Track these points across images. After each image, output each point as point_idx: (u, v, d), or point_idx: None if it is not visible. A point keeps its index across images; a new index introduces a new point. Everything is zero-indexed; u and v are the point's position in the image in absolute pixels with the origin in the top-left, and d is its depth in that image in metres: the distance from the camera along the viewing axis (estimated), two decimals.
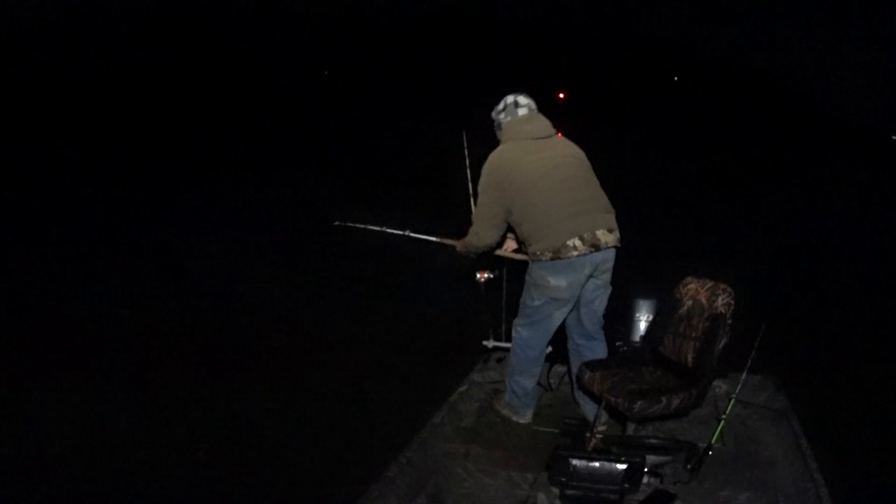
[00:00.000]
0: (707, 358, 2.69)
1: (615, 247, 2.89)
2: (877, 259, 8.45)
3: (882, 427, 3.87)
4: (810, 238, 9.01)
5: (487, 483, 2.62)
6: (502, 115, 3.01)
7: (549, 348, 3.19)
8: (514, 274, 3.40)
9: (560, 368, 3.50)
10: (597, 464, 2.44)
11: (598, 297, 2.99)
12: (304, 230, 7.97)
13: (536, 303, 2.93)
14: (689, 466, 2.62)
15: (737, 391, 2.85)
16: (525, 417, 3.16)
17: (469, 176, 3.41)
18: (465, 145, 3.56)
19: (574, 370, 3.09)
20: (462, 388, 3.32)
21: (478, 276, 3.52)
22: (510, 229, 3.03)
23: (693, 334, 2.79)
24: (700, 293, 2.84)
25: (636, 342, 3.31)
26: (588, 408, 3.12)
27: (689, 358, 2.78)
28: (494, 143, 3.01)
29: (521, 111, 2.97)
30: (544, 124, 2.96)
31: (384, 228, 3.51)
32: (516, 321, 3.09)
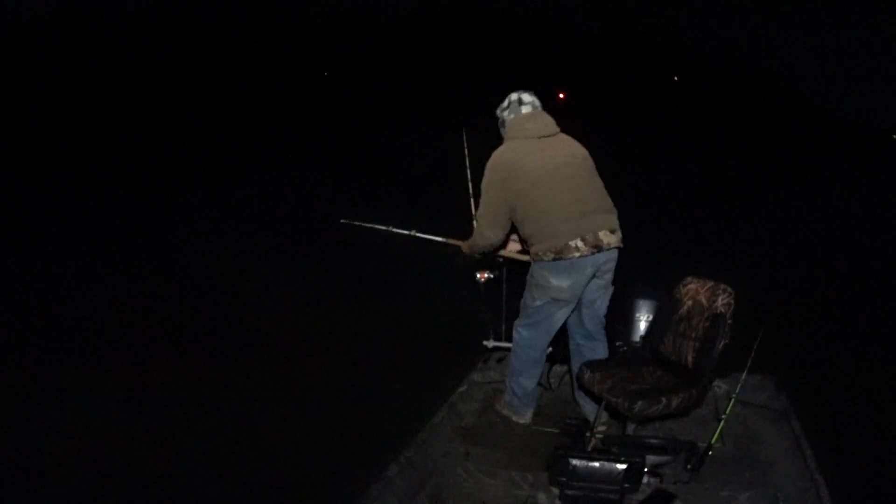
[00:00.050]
0: (707, 358, 2.69)
1: (617, 248, 2.89)
2: (877, 259, 8.45)
3: (882, 427, 3.87)
4: (810, 238, 9.01)
5: (487, 483, 2.62)
6: (506, 113, 3.00)
7: (550, 348, 3.19)
8: (514, 274, 3.40)
9: (560, 368, 3.50)
10: (597, 464, 2.44)
11: (600, 297, 2.99)
12: (305, 229, 7.98)
13: (538, 303, 2.93)
14: (689, 466, 2.62)
15: (737, 391, 2.85)
16: (525, 417, 3.16)
17: (469, 176, 3.41)
18: (466, 145, 3.56)
19: (575, 370, 3.09)
20: (462, 388, 3.32)
21: (478, 276, 3.52)
22: (513, 229, 3.03)
23: (693, 334, 2.79)
24: (700, 293, 2.84)
25: (636, 342, 3.31)
26: (588, 408, 3.12)
27: (689, 358, 2.78)
28: (495, 142, 3.00)
29: (525, 109, 2.96)
30: (548, 122, 2.95)
31: (390, 228, 3.52)
32: (517, 321, 3.09)
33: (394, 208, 3.94)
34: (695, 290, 2.88)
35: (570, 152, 2.93)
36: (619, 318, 3.29)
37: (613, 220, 2.89)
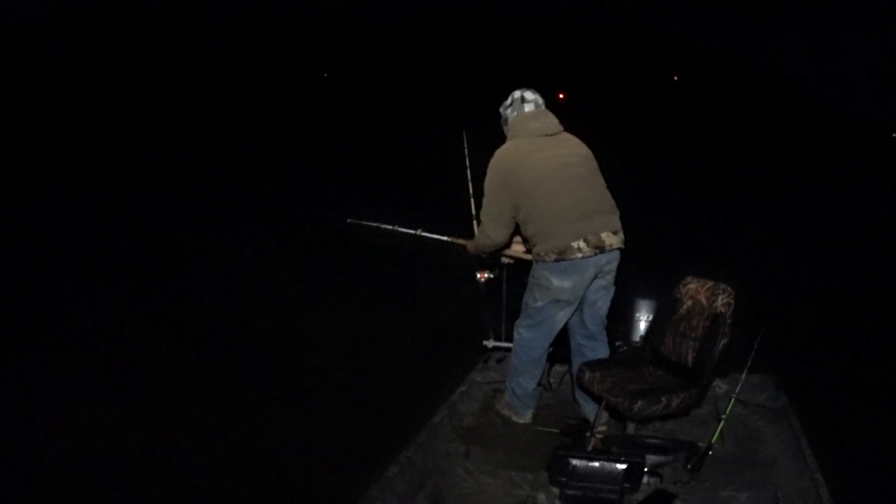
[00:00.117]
0: (707, 358, 2.69)
1: (619, 248, 2.88)
2: (877, 258, 8.45)
3: (882, 427, 3.87)
4: (810, 237, 9.01)
5: (487, 483, 2.62)
6: (509, 111, 2.99)
7: (550, 348, 3.19)
8: (515, 274, 3.40)
9: (560, 368, 3.50)
10: (597, 464, 2.44)
11: (602, 297, 2.99)
12: (307, 229, 7.98)
13: (539, 304, 2.92)
14: (689, 466, 2.62)
15: (737, 391, 2.85)
16: (525, 417, 3.16)
17: (469, 176, 3.41)
18: (466, 145, 3.56)
19: (575, 370, 3.08)
20: (462, 388, 3.32)
21: (478, 276, 3.52)
22: (517, 229, 3.02)
23: (693, 334, 2.79)
24: (700, 293, 2.84)
25: (636, 342, 3.31)
26: (588, 408, 3.12)
27: (689, 358, 2.78)
28: (495, 142, 2.99)
29: (528, 107, 2.95)
30: (551, 121, 2.94)
31: (396, 227, 3.51)
32: (518, 322, 3.08)
33: (395, 208, 3.93)
34: (695, 290, 2.88)
35: (572, 152, 2.92)
36: (619, 318, 3.29)
37: (616, 220, 2.88)
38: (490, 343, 3.66)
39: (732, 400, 2.83)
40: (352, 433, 3.60)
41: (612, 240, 2.81)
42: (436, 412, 2.99)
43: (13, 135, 14.23)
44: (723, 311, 2.69)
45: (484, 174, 2.92)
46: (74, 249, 7.25)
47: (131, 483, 3.16)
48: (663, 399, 2.57)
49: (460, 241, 3.37)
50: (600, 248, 2.77)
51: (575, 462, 2.43)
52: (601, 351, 3.10)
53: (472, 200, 3.41)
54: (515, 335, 3.09)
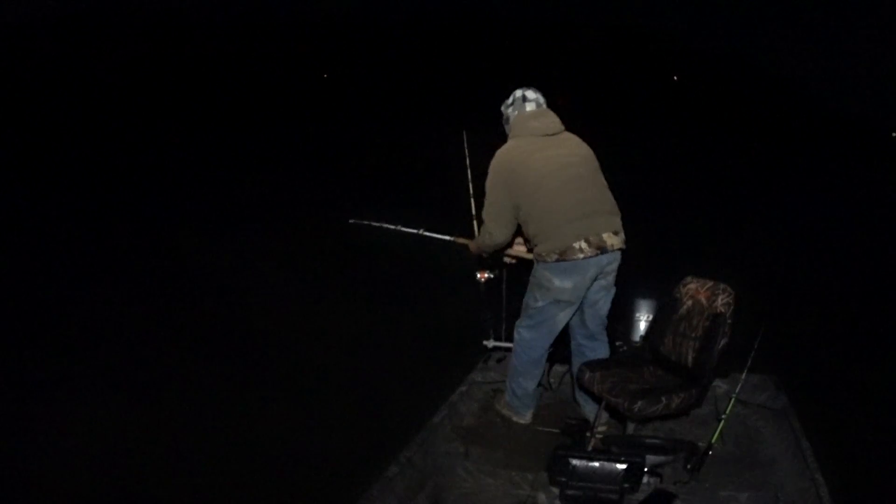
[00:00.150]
0: (707, 358, 2.69)
1: (620, 249, 2.88)
2: (877, 258, 8.45)
3: (882, 427, 3.87)
4: (810, 237, 9.01)
5: (487, 483, 2.62)
6: (510, 110, 2.99)
7: (550, 349, 3.19)
8: (515, 274, 3.40)
9: (560, 368, 3.50)
10: (597, 464, 2.44)
11: (602, 298, 2.99)
12: (308, 230, 7.99)
13: (540, 304, 2.91)
14: (689, 466, 2.62)
15: (737, 391, 2.85)
16: (525, 418, 3.16)
17: (469, 176, 3.41)
18: (466, 145, 3.56)
19: (575, 370, 3.08)
20: (462, 388, 3.32)
21: (478, 275, 3.52)
22: (518, 229, 3.02)
23: (693, 334, 2.79)
24: (700, 293, 2.84)
25: (636, 342, 3.31)
26: (588, 408, 3.12)
27: (689, 358, 2.78)
28: (495, 142, 2.98)
29: (529, 106, 2.95)
30: (552, 120, 2.94)
31: (398, 227, 3.51)
32: (519, 322, 3.07)
33: (396, 208, 3.94)
34: (695, 290, 2.88)
35: (574, 151, 2.92)
36: (619, 318, 3.29)
37: (617, 221, 2.88)
38: (490, 343, 3.66)
39: (732, 400, 2.83)
40: (352, 433, 3.60)
41: (614, 240, 2.81)
42: (436, 412, 2.99)
43: (13, 135, 14.23)
44: (723, 311, 2.69)
45: (484, 174, 2.92)
46: (75, 249, 7.24)
47: (131, 483, 3.16)
48: (663, 399, 2.58)
49: (462, 240, 3.37)
50: (601, 249, 2.76)
51: (575, 462, 2.44)
52: (601, 351, 3.10)
53: (473, 200, 3.42)
54: (516, 335, 3.08)
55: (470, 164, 3.45)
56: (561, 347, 3.21)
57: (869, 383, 4.53)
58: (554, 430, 3.07)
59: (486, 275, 3.51)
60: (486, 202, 2.93)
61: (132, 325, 5.27)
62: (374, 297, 6.15)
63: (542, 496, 2.48)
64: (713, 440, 2.69)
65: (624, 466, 2.42)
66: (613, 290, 3.00)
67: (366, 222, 3.56)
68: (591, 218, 2.79)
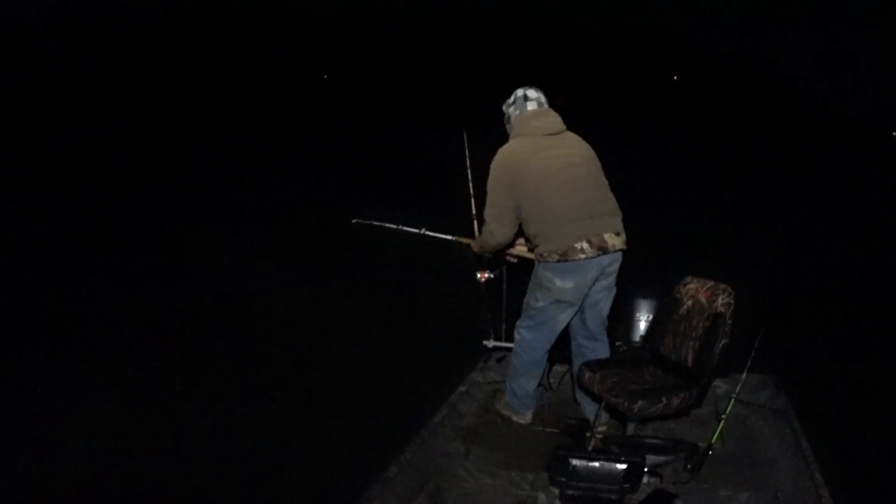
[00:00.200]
0: (707, 358, 2.69)
1: (622, 250, 2.88)
2: (877, 258, 8.45)
3: (882, 427, 3.86)
4: (810, 237, 9.00)
5: (487, 483, 2.62)
6: (512, 109, 2.98)
7: (551, 349, 3.19)
8: (515, 274, 3.40)
9: (560, 368, 3.50)
10: (597, 464, 2.44)
11: (603, 298, 2.99)
12: (309, 230, 7.98)
13: (541, 304, 2.91)
14: (689, 466, 2.62)
15: (737, 391, 2.86)
16: (525, 418, 3.16)
17: (470, 176, 3.41)
18: (466, 145, 3.56)
19: (575, 370, 3.09)
20: (462, 388, 3.32)
21: (478, 275, 3.52)
22: (520, 229, 3.02)
23: (693, 334, 2.80)
24: (700, 293, 2.84)
25: (636, 342, 3.32)
26: (588, 408, 3.12)
27: (689, 358, 2.78)
28: (496, 141, 2.98)
29: (531, 105, 2.95)
30: (554, 120, 2.93)
31: (400, 227, 3.51)
32: (519, 322, 3.07)
33: (396, 208, 3.93)
34: (695, 290, 2.88)
35: (576, 151, 2.91)
36: (619, 318, 3.30)
37: (618, 222, 2.88)
38: (490, 343, 3.67)
39: (732, 400, 2.84)
40: (352, 433, 3.60)
41: (615, 241, 2.81)
42: (436, 412, 3.00)
43: (14, 135, 14.23)
44: (723, 311, 2.70)
45: (485, 173, 2.92)
46: (76, 248, 7.25)
47: (131, 483, 3.16)
48: (663, 399, 2.58)
49: (464, 240, 3.37)
50: (603, 250, 2.76)
51: (575, 462, 2.44)
52: (602, 351, 3.11)
53: (473, 200, 3.42)
54: (516, 335, 3.08)
55: (471, 163, 3.45)
56: (561, 347, 3.21)
57: (869, 383, 4.52)
58: (554, 430, 3.08)
59: (486, 275, 3.51)
60: (488, 202, 2.92)
61: (134, 325, 5.27)
62: (375, 296, 6.15)
63: (542, 496, 2.48)
64: (713, 440, 2.69)
65: (624, 466, 2.42)
66: (614, 291, 3.00)
67: (368, 222, 3.57)
68: (593, 218, 2.78)
